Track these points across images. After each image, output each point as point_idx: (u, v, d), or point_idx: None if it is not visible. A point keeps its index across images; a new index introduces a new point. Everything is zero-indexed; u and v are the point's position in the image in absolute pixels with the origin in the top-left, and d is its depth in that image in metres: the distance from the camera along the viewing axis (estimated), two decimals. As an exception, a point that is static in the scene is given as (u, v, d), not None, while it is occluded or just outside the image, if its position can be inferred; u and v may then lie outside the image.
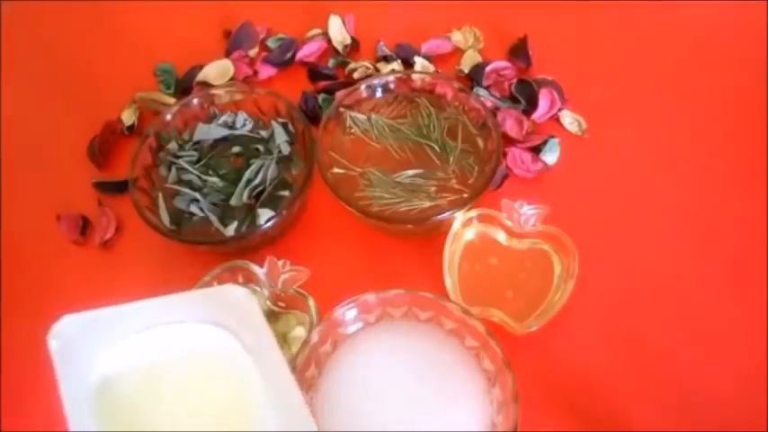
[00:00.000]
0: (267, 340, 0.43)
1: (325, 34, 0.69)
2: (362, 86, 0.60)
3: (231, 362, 0.43)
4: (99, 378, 0.42)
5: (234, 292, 0.45)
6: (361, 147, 0.59)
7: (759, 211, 0.57)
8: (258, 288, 0.52)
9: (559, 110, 0.63)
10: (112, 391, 0.42)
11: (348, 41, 0.68)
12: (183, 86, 0.67)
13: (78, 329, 0.42)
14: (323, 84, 0.66)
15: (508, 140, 0.61)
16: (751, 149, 0.61)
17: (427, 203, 0.55)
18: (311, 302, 0.49)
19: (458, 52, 0.69)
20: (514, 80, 0.64)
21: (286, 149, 0.58)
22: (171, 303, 0.44)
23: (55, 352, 0.41)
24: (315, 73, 0.67)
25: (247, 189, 0.56)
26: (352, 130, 0.60)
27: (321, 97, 0.64)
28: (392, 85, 0.61)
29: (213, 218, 0.55)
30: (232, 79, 0.67)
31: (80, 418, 0.40)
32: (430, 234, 0.55)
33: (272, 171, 0.57)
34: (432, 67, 0.67)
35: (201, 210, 0.56)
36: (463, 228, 0.54)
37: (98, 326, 0.43)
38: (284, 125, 0.59)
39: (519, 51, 0.67)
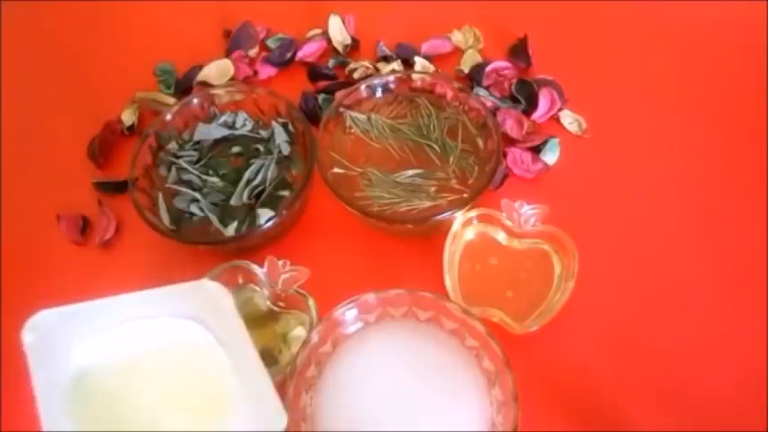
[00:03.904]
0: (239, 333, 0.43)
1: (325, 34, 0.69)
2: (362, 86, 0.60)
3: (205, 355, 0.43)
4: (75, 371, 0.42)
5: (207, 287, 0.45)
6: (361, 147, 0.59)
7: (759, 211, 0.57)
8: (258, 288, 0.52)
9: (559, 110, 0.63)
10: (88, 383, 0.42)
11: (348, 41, 0.68)
12: (183, 86, 0.67)
13: (54, 323, 0.43)
14: (323, 84, 0.66)
15: (508, 140, 0.61)
16: (751, 149, 0.61)
17: (427, 203, 0.55)
18: (311, 302, 0.49)
19: (458, 52, 0.69)
20: (514, 80, 0.64)
21: (286, 149, 0.58)
22: (147, 298, 0.44)
23: (29, 346, 0.42)
24: (315, 73, 0.67)
25: (247, 189, 0.56)
26: (352, 130, 0.60)
27: (321, 97, 0.64)
28: (392, 85, 0.61)
29: (213, 218, 0.55)
30: (232, 79, 0.67)
31: (52, 412, 0.40)
32: (430, 234, 0.55)
33: (272, 171, 0.57)
34: (432, 67, 0.67)
35: (201, 210, 0.56)
36: (463, 228, 0.54)
37: (74, 320, 0.43)
38: (284, 125, 0.59)
39: (519, 51, 0.67)
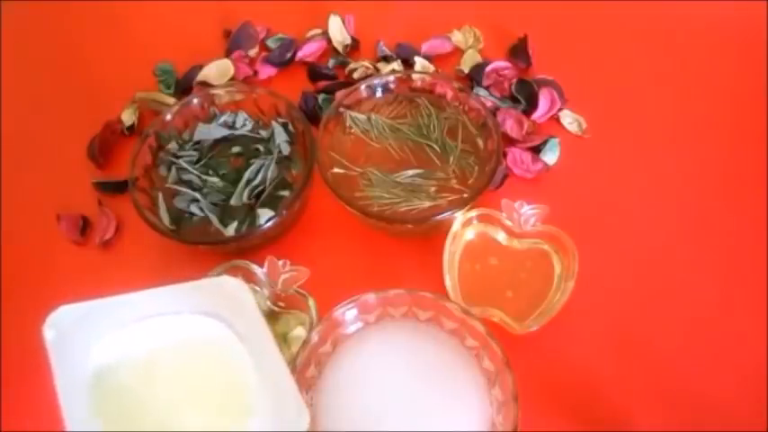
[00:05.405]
0: (260, 329, 0.43)
1: (325, 34, 0.69)
2: (362, 86, 0.60)
3: (225, 351, 0.43)
4: (95, 368, 0.42)
5: (227, 283, 0.45)
6: (361, 147, 0.59)
7: (759, 211, 0.57)
8: (258, 288, 0.52)
9: (559, 110, 0.63)
10: (108, 380, 0.42)
11: (348, 41, 0.69)
12: (183, 86, 0.67)
13: (74, 320, 0.42)
14: (323, 84, 0.66)
15: (508, 140, 0.61)
16: (751, 149, 0.61)
17: (427, 203, 0.55)
18: (311, 302, 0.49)
19: (458, 52, 0.69)
20: (514, 80, 0.64)
21: (286, 149, 0.58)
22: (166, 294, 0.44)
23: (50, 342, 0.41)
24: (315, 73, 0.67)
25: (247, 189, 0.56)
26: (352, 130, 0.60)
27: (321, 97, 0.64)
28: (392, 85, 0.61)
29: (213, 218, 0.55)
30: (232, 79, 0.67)
31: (74, 407, 0.40)
32: (430, 234, 0.55)
33: (272, 171, 0.57)
34: (432, 67, 0.67)
35: (201, 210, 0.56)
36: (463, 228, 0.54)
37: (94, 316, 0.43)
38: (284, 125, 0.59)
39: (519, 51, 0.67)
